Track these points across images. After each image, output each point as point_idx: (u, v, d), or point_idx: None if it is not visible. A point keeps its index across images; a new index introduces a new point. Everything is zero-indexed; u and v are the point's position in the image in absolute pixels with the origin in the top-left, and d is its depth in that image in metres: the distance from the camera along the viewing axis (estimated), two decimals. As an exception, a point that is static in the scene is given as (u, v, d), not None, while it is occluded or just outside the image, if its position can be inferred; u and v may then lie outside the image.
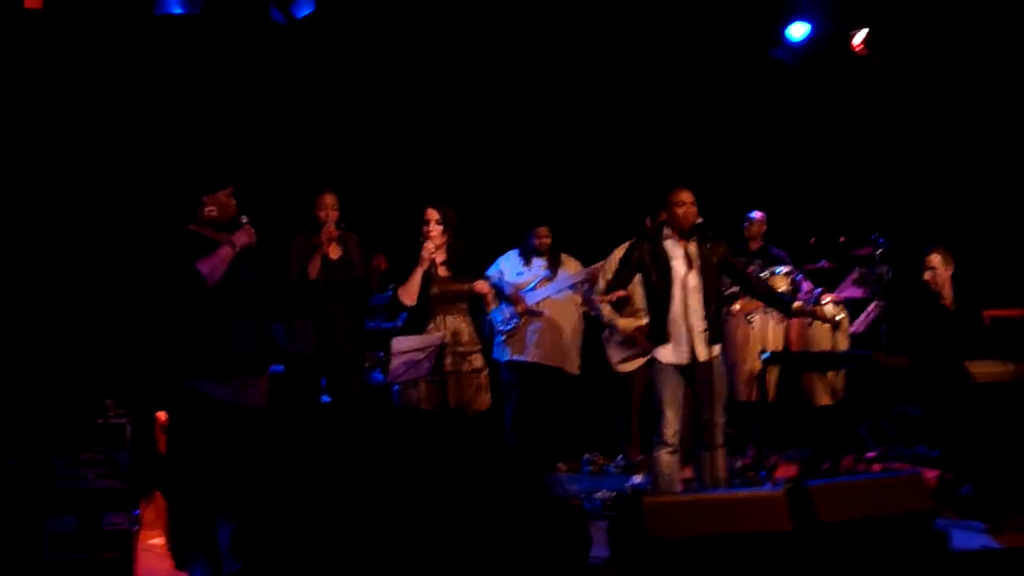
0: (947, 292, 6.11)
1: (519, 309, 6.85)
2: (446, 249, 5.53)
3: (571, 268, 7.09)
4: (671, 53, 8.00)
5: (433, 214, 5.49)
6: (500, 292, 6.81)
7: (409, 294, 5.39)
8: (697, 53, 8.04)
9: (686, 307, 5.27)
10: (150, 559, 4.99)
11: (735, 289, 6.29)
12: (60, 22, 6.54)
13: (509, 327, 6.92)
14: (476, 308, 5.62)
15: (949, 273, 6.10)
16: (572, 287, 7.04)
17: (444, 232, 5.50)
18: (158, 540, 5.29)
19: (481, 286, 5.51)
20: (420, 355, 5.09)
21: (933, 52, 7.92)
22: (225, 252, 4.49)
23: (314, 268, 5.35)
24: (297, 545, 3.73)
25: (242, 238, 4.57)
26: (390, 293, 6.39)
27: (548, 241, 7.03)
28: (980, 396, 5.56)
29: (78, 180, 6.72)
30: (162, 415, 5.53)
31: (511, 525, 3.78)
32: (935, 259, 6.07)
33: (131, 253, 6.55)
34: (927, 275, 6.07)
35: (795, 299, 6.72)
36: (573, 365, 7.08)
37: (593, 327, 7.03)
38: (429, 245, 5.40)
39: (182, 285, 4.46)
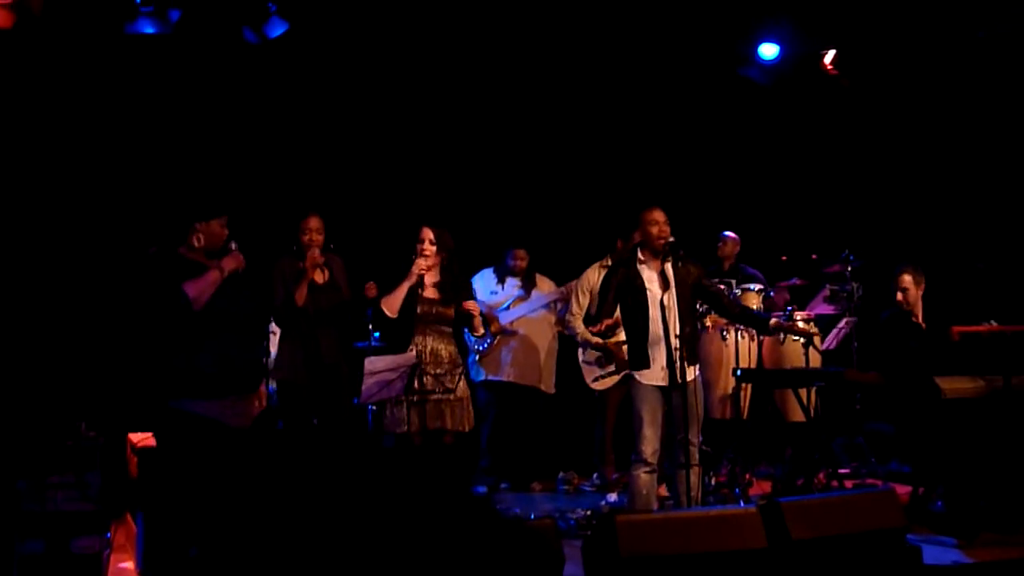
0: (918, 310, 6.17)
1: (493, 328, 6.86)
2: (439, 271, 5.52)
3: (545, 288, 7.11)
4: (643, 74, 8.06)
5: (428, 233, 5.49)
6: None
7: (391, 306, 5.37)
8: (669, 73, 8.11)
9: (664, 328, 5.28)
10: (120, 583, 4.93)
11: (703, 307, 6.32)
12: (31, 42, 6.51)
13: (483, 347, 6.92)
14: (460, 330, 5.60)
15: (920, 291, 6.16)
16: (546, 306, 7.06)
17: (438, 253, 5.50)
18: (128, 564, 5.23)
19: (470, 305, 5.50)
20: (392, 375, 5.07)
21: (902, 72, 8.02)
22: (213, 276, 4.52)
23: (301, 295, 5.33)
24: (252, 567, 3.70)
25: (230, 263, 4.59)
26: (369, 312, 6.38)
27: (524, 264, 7.05)
28: (951, 412, 5.60)
29: (54, 202, 6.67)
30: (134, 437, 5.48)
31: (471, 548, 3.77)
32: (906, 279, 6.12)
33: (112, 275, 6.52)
34: (899, 295, 6.12)
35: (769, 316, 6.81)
36: (548, 384, 7.08)
37: (568, 346, 7.04)
38: (421, 262, 5.40)
39: (168, 307, 4.46)
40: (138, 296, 4.85)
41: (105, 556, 4.70)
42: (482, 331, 5.58)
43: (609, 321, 5.53)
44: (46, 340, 6.50)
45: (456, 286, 5.52)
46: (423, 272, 5.40)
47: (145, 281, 4.60)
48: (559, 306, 7.03)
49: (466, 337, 6.84)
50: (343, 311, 5.55)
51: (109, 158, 6.84)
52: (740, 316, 5.86)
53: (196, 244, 4.62)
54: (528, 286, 7.06)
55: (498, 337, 6.92)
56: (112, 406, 6.11)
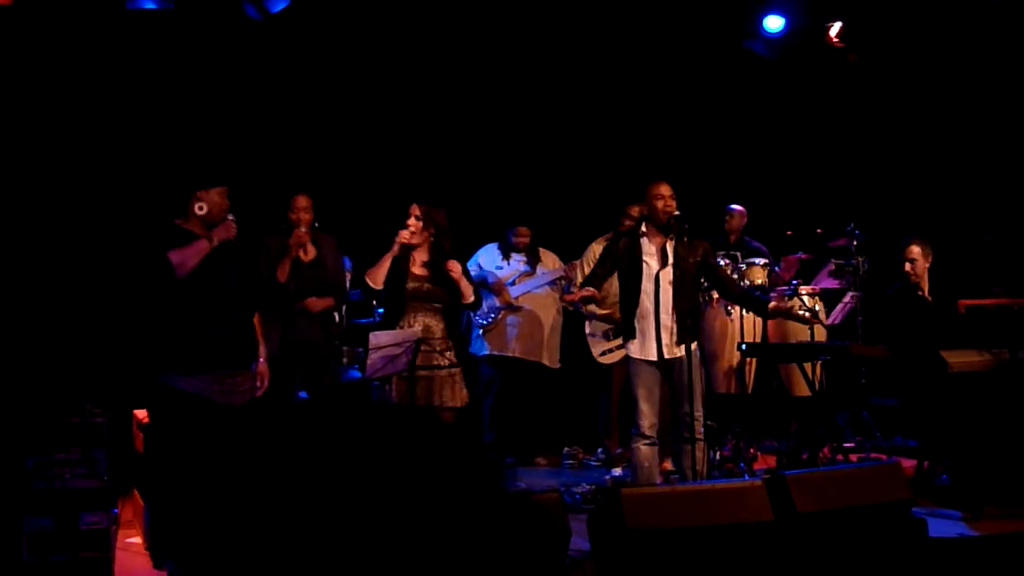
0: (924, 283, 6.15)
1: (503, 299, 6.85)
2: (428, 249, 5.49)
3: (549, 263, 7.10)
4: (648, 47, 8.01)
5: (415, 209, 5.47)
6: (483, 283, 6.80)
7: (375, 278, 5.34)
8: (674, 47, 8.05)
9: (657, 303, 5.26)
10: (129, 558, 4.96)
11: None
12: (30, 19, 6.47)
13: (488, 321, 6.92)
14: (452, 307, 5.56)
15: (927, 264, 6.14)
16: (551, 283, 7.04)
17: (424, 228, 5.46)
18: (136, 539, 5.25)
19: (452, 264, 5.43)
20: (398, 350, 5.06)
21: (908, 45, 7.96)
22: (201, 245, 4.47)
23: (283, 272, 5.33)
24: (259, 544, 3.71)
25: (220, 233, 4.53)
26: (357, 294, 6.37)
27: (527, 240, 7.04)
28: (957, 386, 5.60)
29: (53, 177, 6.66)
30: (139, 413, 5.49)
31: (479, 521, 3.77)
32: (915, 250, 6.09)
33: (109, 249, 6.51)
34: (907, 266, 6.09)
35: (772, 290, 6.80)
36: (552, 360, 7.08)
37: (572, 321, 7.04)
38: (404, 233, 5.36)
39: (153, 276, 4.43)
40: (129, 266, 4.82)
41: (113, 531, 4.71)
42: (472, 298, 5.50)
43: (590, 291, 5.48)
44: (50, 317, 6.51)
45: (441, 265, 5.48)
46: (405, 242, 5.36)
47: (135, 250, 4.59)
48: (564, 282, 7.02)
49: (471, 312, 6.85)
50: (328, 289, 5.53)
51: (110, 133, 6.81)
52: (741, 298, 5.80)
53: (198, 212, 4.58)
54: (533, 261, 7.05)
55: (502, 312, 6.92)
56: (116, 382, 6.11)
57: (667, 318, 5.23)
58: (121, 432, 5.51)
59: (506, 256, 7.04)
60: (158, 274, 4.42)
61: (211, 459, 4.22)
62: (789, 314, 6.04)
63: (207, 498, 4.15)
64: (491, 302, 6.91)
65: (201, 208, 4.57)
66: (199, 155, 6.57)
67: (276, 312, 5.36)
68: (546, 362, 7.03)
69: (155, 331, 4.49)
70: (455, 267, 5.39)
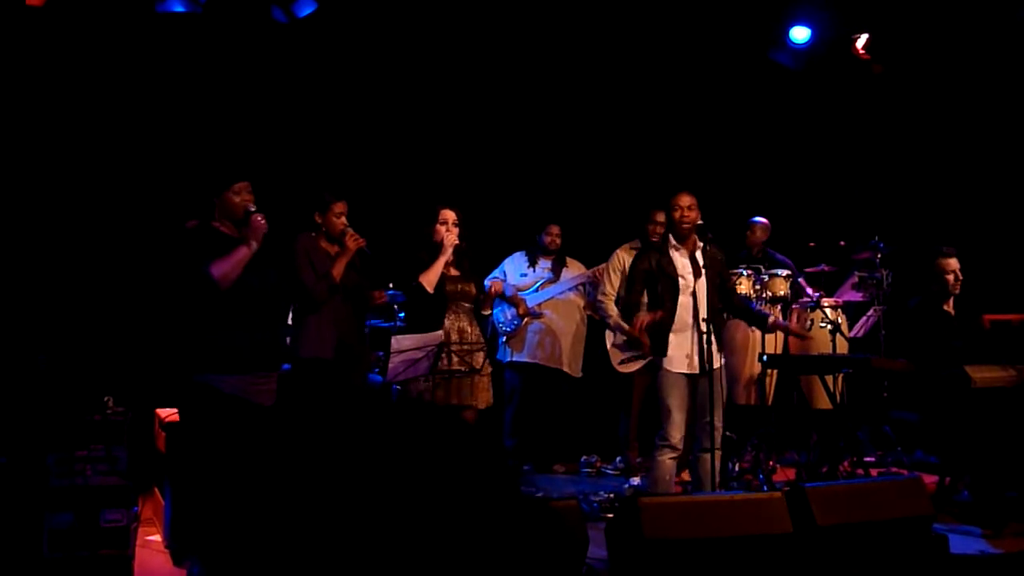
0: (952, 300, 6.11)
1: (520, 311, 6.87)
2: (455, 250, 5.53)
3: (575, 271, 7.11)
4: (675, 57, 8.01)
5: (451, 215, 5.51)
6: (502, 296, 6.83)
7: (430, 280, 5.39)
8: (700, 57, 8.05)
9: (694, 315, 5.26)
10: (148, 556, 4.98)
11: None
12: (61, 20, 6.54)
13: (511, 328, 6.93)
14: (478, 309, 5.63)
15: (959, 281, 6.09)
16: (574, 288, 7.05)
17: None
18: (156, 537, 5.28)
19: (496, 284, 5.56)
20: (419, 354, 5.08)
21: (934, 57, 7.92)
22: (242, 254, 4.43)
23: (339, 271, 5.30)
24: (280, 541, 3.72)
25: (256, 234, 4.47)
26: (390, 293, 6.38)
27: (559, 240, 7.06)
28: (980, 401, 5.55)
29: (80, 177, 6.72)
30: (162, 412, 5.52)
31: (497, 526, 3.77)
32: (954, 263, 6.01)
33: (137, 250, 6.55)
34: (950, 277, 5.99)
35: (794, 303, 6.77)
36: (575, 367, 7.08)
37: (595, 330, 7.02)
38: (452, 236, 5.42)
39: (195, 285, 4.44)
40: (169, 271, 4.81)
41: (133, 529, 4.73)
42: (489, 311, 5.59)
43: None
44: (75, 315, 6.56)
45: (470, 262, 5.56)
46: (455, 243, 5.42)
47: (176, 258, 4.56)
48: (587, 289, 7.02)
49: (494, 317, 6.88)
50: (362, 293, 5.55)
51: (142, 134, 6.87)
52: (742, 312, 5.78)
53: (217, 216, 4.58)
54: (558, 268, 7.06)
55: (525, 319, 6.93)
56: (139, 381, 6.15)
57: (703, 328, 5.22)
58: (143, 430, 5.53)
59: (532, 263, 7.06)
60: (200, 286, 4.42)
61: (245, 458, 4.25)
62: (788, 329, 6.02)
63: (237, 496, 4.17)
64: (513, 310, 6.93)
65: (218, 212, 4.57)
66: (221, 157, 6.60)
67: (329, 313, 5.33)
68: (567, 370, 7.03)
69: (191, 332, 4.49)
70: (498, 286, 5.57)
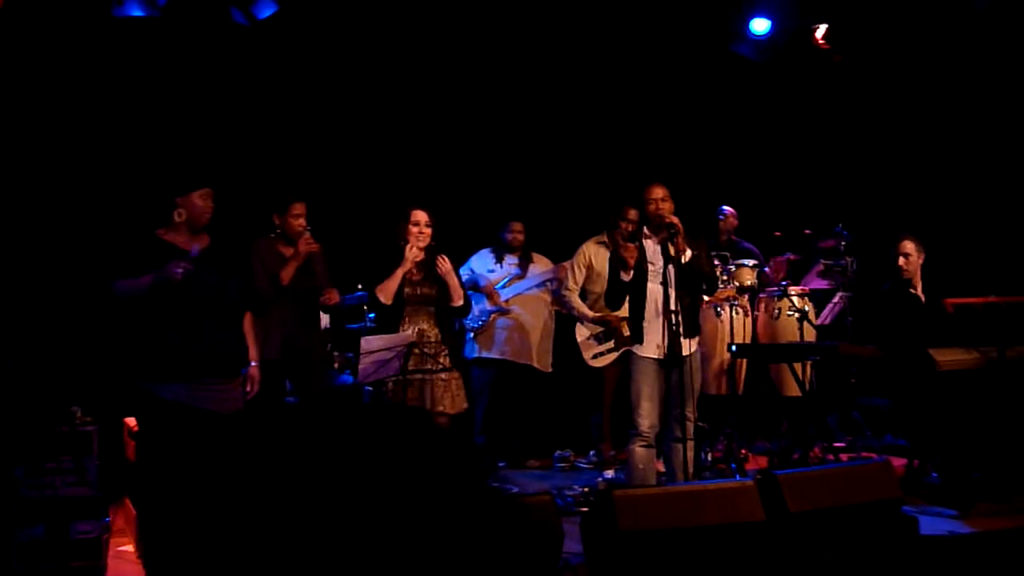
0: (917, 281, 6.18)
1: (492, 301, 6.87)
2: (424, 250, 5.50)
3: (542, 266, 7.11)
4: (637, 51, 8.04)
5: (423, 216, 5.46)
6: (474, 286, 6.83)
7: (387, 293, 5.35)
8: (663, 51, 8.09)
9: (666, 303, 5.27)
10: (121, 566, 4.94)
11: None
12: (18, 25, 6.45)
13: (479, 324, 6.93)
14: (443, 310, 5.57)
15: (920, 261, 6.17)
16: (540, 284, 7.06)
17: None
18: (128, 547, 5.24)
19: (442, 260, 5.46)
20: (389, 354, 5.07)
21: (893, 46, 8.00)
22: (142, 283, 4.34)
23: (288, 275, 5.28)
24: (250, 547, 3.70)
25: (164, 273, 4.31)
26: (360, 294, 6.37)
27: (522, 237, 7.07)
28: (945, 384, 5.62)
29: (42, 183, 6.64)
30: (130, 421, 5.48)
31: (471, 524, 3.77)
32: (908, 245, 6.13)
33: (97, 256, 6.48)
34: (901, 260, 6.11)
35: (761, 292, 6.83)
36: (543, 363, 7.09)
37: (564, 325, 7.05)
38: (414, 249, 5.37)
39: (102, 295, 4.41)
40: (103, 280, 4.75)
41: (104, 540, 4.70)
42: (461, 301, 5.52)
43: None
44: (38, 324, 6.48)
45: (432, 265, 5.50)
46: (415, 258, 5.38)
47: (108, 264, 4.51)
48: (554, 284, 7.03)
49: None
50: (315, 294, 5.52)
51: (97, 140, 6.79)
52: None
53: (177, 219, 4.51)
54: (524, 264, 7.07)
55: (492, 315, 6.93)
56: (107, 390, 6.09)
57: (672, 317, 5.24)
58: (112, 440, 5.48)
59: (499, 259, 7.07)
60: (108, 295, 4.39)
61: (200, 465, 4.21)
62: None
63: (197, 504, 4.14)
64: (482, 305, 6.92)
65: (180, 214, 4.51)
66: (180, 161, 6.54)
67: (277, 316, 5.32)
68: (536, 365, 7.04)
69: (135, 339, 4.44)
70: (445, 262, 5.41)
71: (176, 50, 6.95)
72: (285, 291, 5.30)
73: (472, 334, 6.98)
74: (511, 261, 7.07)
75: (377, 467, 3.73)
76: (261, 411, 5.03)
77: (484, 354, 6.95)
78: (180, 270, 4.32)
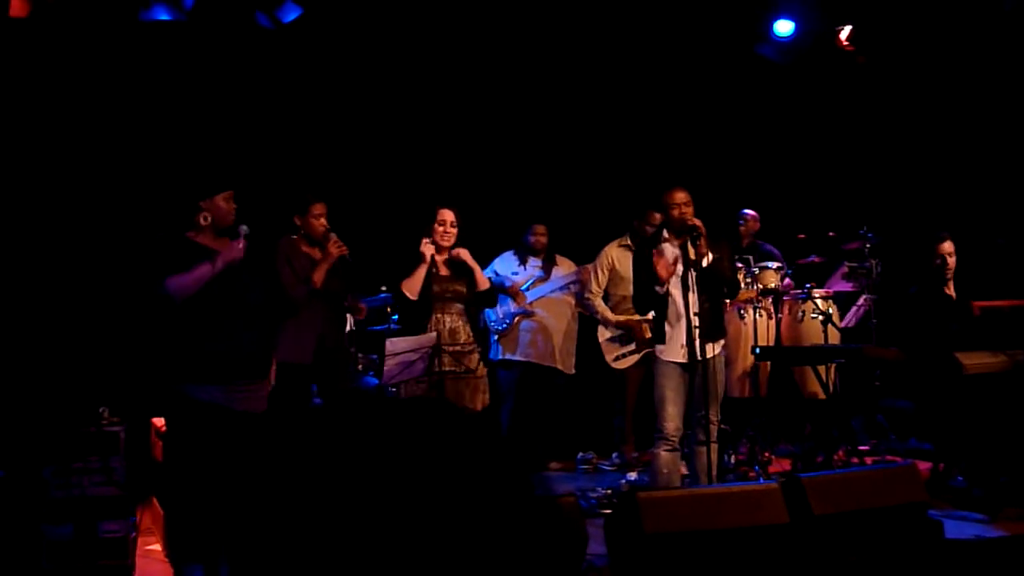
0: (951, 283, 6.16)
1: (518, 303, 6.88)
2: (448, 249, 5.53)
3: (565, 269, 7.13)
4: (661, 54, 8.04)
5: (449, 215, 5.50)
6: (500, 287, 6.84)
7: (412, 288, 5.38)
8: (686, 52, 8.07)
9: (686, 307, 5.27)
10: (148, 565, 4.98)
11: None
12: (46, 30, 6.53)
13: (504, 326, 6.94)
14: (472, 306, 5.61)
15: (954, 262, 6.16)
16: (564, 287, 7.07)
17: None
18: (156, 546, 5.29)
19: (461, 252, 5.49)
20: (414, 356, 5.09)
21: (918, 48, 7.96)
22: (203, 271, 4.39)
23: (320, 277, 5.29)
24: (289, 545, 3.72)
25: (229, 254, 4.46)
26: (383, 296, 6.39)
27: (544, 239, 7.07)
28: (972, 388, 5.59)
29: (71, 187, 6.71)
30: (158, 421, 5.52)
31: (501, 522, 3.78)
32: (948, 246, 6.10)
33: (125, 259, 6.54)
34: (946, 260, 6.07)
35: (785, 294, 6.81)
36: (567, 365, 7.10)
37: (587, 327, 7.05)
38: (428, 245, 5.40)
39: (153, 298, 4.43)
40: (139, 284, 4.79)
41: (132, 539, 4.74)
42: (486, 285, 5.55)
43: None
44: (67, 326, 6.55)
45: (459, 260, 5.53)
46: (433, 253, 5.41)
47: (144, 268, 4.54)
48: (577, 287, 7.04)
49: (487, 314, 6.88)
50: (342, 296, 5.54)
51: (126, 142, 6.86)
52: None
53: (203, 223, 4.55)
54: (548, 266, 7.08)
55: (517, 317, 6.94)
56: (135, 391, 6.15)
57: (695, 320, 5.24)
58: (139, 440, 5.53)
59: (522, 261, 7.08)
60: (158, 296, 4.41)
61: (233, 465, 4.24)
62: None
63: (228, 504, 4.18)
64: (507, 307, 6.94)
65: (206, 218, 4.55)
66: (204, 164, 6.59)
67: (308, 318, 5.33)
68: (560, 367, 7.05)
69: (171, 341, 4.48)
70: (464, 253, 5.44)
71: (201, 53, 7.01)
72: (318, 293, 5.31)
73: (496, 336, 7.00)
74: (535, 264, 7.08)
75: (404, 463, 3.75)
76: (291, 412, 5.06)
77: (508, 356, 6.96)
78: (241, 245, 4.41)
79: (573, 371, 7.13)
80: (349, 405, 5.39)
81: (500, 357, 6.97)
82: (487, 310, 6.84)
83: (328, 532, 3.69)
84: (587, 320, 7.01)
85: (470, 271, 5.52)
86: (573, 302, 7.11)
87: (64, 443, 4.91)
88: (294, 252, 5.43)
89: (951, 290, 6.12)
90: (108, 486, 4.78)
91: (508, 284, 6.92)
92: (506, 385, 6.98)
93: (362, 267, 5.70)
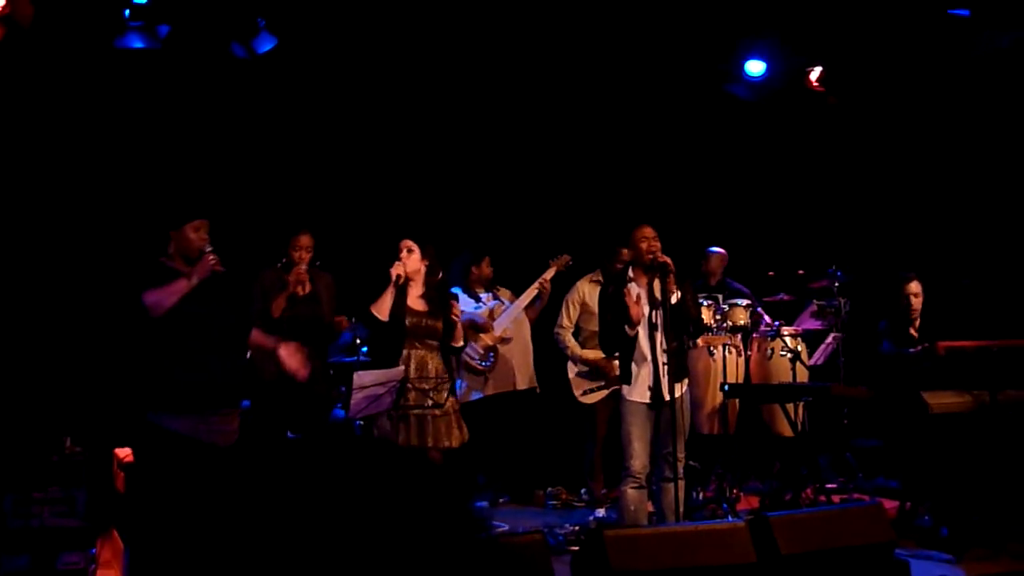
0: (916, 322, 6.21)
1: (492, 337, 6.78)
2: (424, 283, 5.50)
3: (506, 297, 7.06)
4: (630, 89, 8.10)
5: (405, 243, 5.49)
6: (472, 324, 6.73)
7: (380, 310, 5.32)
8: (656, 89, 8.15)
9: (652, 346, 5.27)
10: (106, 599, 4.90)
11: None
12: (18, 57, 6.50)
13: (488, 364, 6.82)
14: (446, 344, 5.57)
15: (919, 302, 6.22)
16: (531, 304, 6.98)
17: (422, 261, 5.48)
18: (115, 580, 5.20)
19: (455, 308, 5.48)
20: (381, 389, 5.05)
21: (887, 89, 8.08)
22: (179, 285, 4.40)
23: (278, 307, 5.31)
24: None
25: (200, 271, 4.46)
26: (348, 336, 6.34)
27: (490, 271, 7.00)
28: (938, 427, 5.63)
29: (46, 212, 6.65)
30: (120, 452, 5.45)
31: (457, 567, 3.75)
32: (915, 286, 6.18)
33: (91, 287, 6.49)
34: (912, 300, 6.15)
35: (755, 332, 6.84)
36: (525, 380, 6.97)
37: (557, 358, 6.99)
38: (398, 265, 5.38)
39: (131, 315, 4.40)
40: (115, 307, 4.77)
41: (91, 572, 4.67)
42: (461, 342, 5.53)
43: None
44: (31, 354, 6.46)
45: (442, 298, 5.51)
46: (399, 274, 5.37)
47: (120, 291, 4.53)
48: (540, 303, 6.97)
49: (469, 352, 6.74)
50: (319, 325, 5.51)
51: (97, 171, 6.82)
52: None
53: (171, 251, 4.55)
54: (496, 295, 7.02)
55: (498, 347, 6.84)
56: (97, 421, 6.07)
57: (661, 359, 5.24)
58: (102, 471, 5.46)
59: (474, 297, 6.96)
60: (135, 314, 4.38)
61: (197, 498, 4.19)
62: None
63: (192, 537, 4.12)
64: (475, 346, 6.80)
65: (172, 247, 4.55)
66: (175, 193, 6.56)
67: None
68: (518, 385, 6.93)
69: (143, 370, 4.44)
70: (456, 307, 5.43)
71: (176, 82, 6.99)
72: (277, 323, 5.29)
73: (466, 375, 6.86)
74: (485, 296, 6.99)
75: (366, 506, 3.72)
76: (258, 446, 5.02)
77: (474, 395, 6.85)
78: (212, 259, 4.41)
79: (536, 385, 7.03)
80: (312, 443, 5.35)
81: (478, 397, 6.86)
82: (470, 346, 6.71)
83: (283, 569, 3.65)
84: (555, 350, 6.93)
85: (447, 312, 5.46)
86: (531, 317, 7.02)
87: (25, 472, 4.84)
88: (273, 283, 5.42)
89: (915, 330, 6.18)
90: (69, 517, 4.71)
91: (481, 320, 6.83)
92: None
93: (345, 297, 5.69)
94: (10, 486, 4.86)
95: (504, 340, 6.86)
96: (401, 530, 3.63)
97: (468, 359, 6.72)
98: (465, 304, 6.90)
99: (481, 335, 6.79)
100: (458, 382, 6.83)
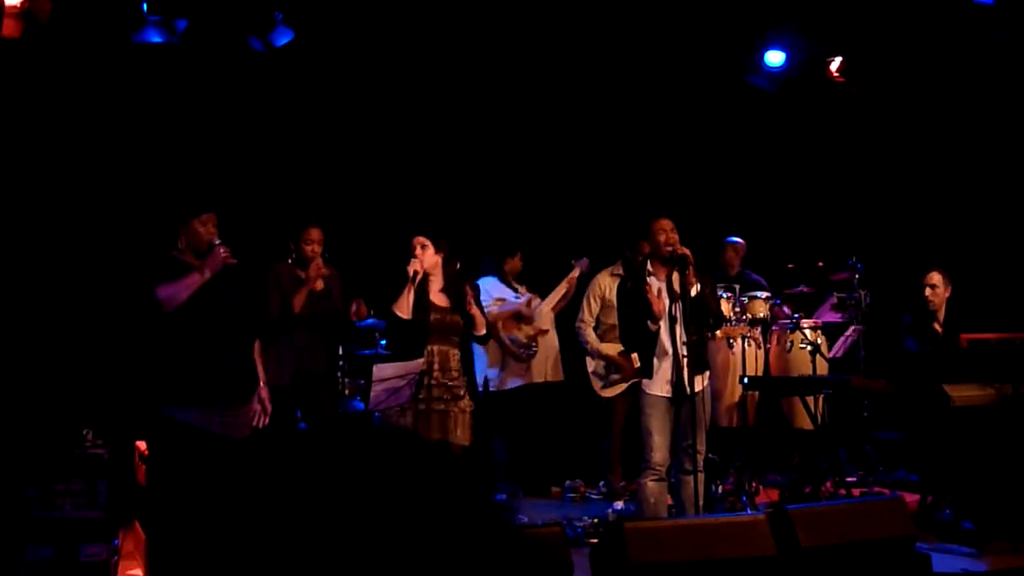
0: (940, 315, 6.17)
1: (540, 325, 6.84)
2: (443, 278, 5.51)
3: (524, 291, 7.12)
4: (651, 81, 8.07)
5: (418, 240, 5.49)
6: (519, 314, 6.80)
7: (402, 308, 5.33)
8: (676, 81, 8.11)
9: (672, 340, 5.26)
10: (128, 590, 4.93)
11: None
12: (38, 51, 6.53)
13: (533, 351, 6.88)
14: (467, 339, 5.58)
15: (947, 295, 6.17)
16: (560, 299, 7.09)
17: (436, 255, 5.49)
18: (137, 571, 5.22)
19: (474, 309, 5.49)
20: (400, 382, 5.06)
21: (908, 79, 8.01)
22: (192, 279, 4.43)
23: (299, 302, 5.32)
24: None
25: (212, 264, 4.48)
26: (370, 321, 6.37)
27: (521, 265, 7.06)
28: (959, 420, 5.59)
29: (63, 206, 6.69)
30: (142, 444, 5.48)
31: (479, 559, 3.75)
32: (936, 277, 6.14)
33: (110, 281, 6.52)
34: (928, 292, 6.12)
35: (774, 324, 6.80)
36: (556, 373, 7.03)
37: (577, 353, 6.99)
38: (414, 262, 5.38)
39: (145, 309, 4.43)
40: (129, 300, 4.81)
41: (113, 563, 4.69)
42: (483, 330, 5.54)
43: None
44: (53, 348, 6.51)
45: (460, 293, 5.51)
46: (416, 271, 5.37)
47: (134, 285, 4.57)
48: (564, 301, 7.08)
49: (512, 341, 6.79)
50: (335, 320, 5.53)
51: (115, 166, 6.85)
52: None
53: (181, 245, 4.58)
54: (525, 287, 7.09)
55: (538, 337, 6.91)
56: (119, 414, 6.10)
57: (681, 352, 5.23)
58: (123, 463, 5.49)
59: (510, 286, 7.04)
60: (149, 308, 4.41)
61: (211, 491, 4.20)
62: None
63: (208, 530, 4.13)
64: (518, 336, 6.85)
65: (182, 241, 4.57)
66: (182, 187, 6.58)
67: (287, 342, 5.33)
68: (550, 378, 6.99)
69: (156, 363, 4.47)
70: (471, 297, 5.43)
71: (194, 76, 7.01)
72: (297, 318, 5.32)
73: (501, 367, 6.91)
74: (520, 287, 7.07)
75: (386, 497, 3.72)
76: (272, 439, 5.03)
77: (512, 383, 6.89)
78: (224, 252, 4.43)
79: (561, 377, 7.06)
80: (327, 434, 5.36)
81: (517, 384, 6.88)
82: (512, 336, 6.77)
83: (302, 561, 3.66)
84: (574, 346, 6.94)
85: (463, 304, 5.46)
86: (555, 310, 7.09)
87: (47, 464, 4.87)
88: (287, 277, 5.43)
89: (939, 324, 6.13)
90: (91, 508, 4.74)
91: (526, 311, 6.87)
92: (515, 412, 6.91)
93: (351, 291, 5.70)
94: (33, 478, 4.89)
95: (543, 332, 6.91)
96: (423, 522, 3.63)
97: (514, 347, 6.75)
98: (506, 295, 6.95)
99: (523, 325, 6.83)
100: (495, 370, 6.85)
